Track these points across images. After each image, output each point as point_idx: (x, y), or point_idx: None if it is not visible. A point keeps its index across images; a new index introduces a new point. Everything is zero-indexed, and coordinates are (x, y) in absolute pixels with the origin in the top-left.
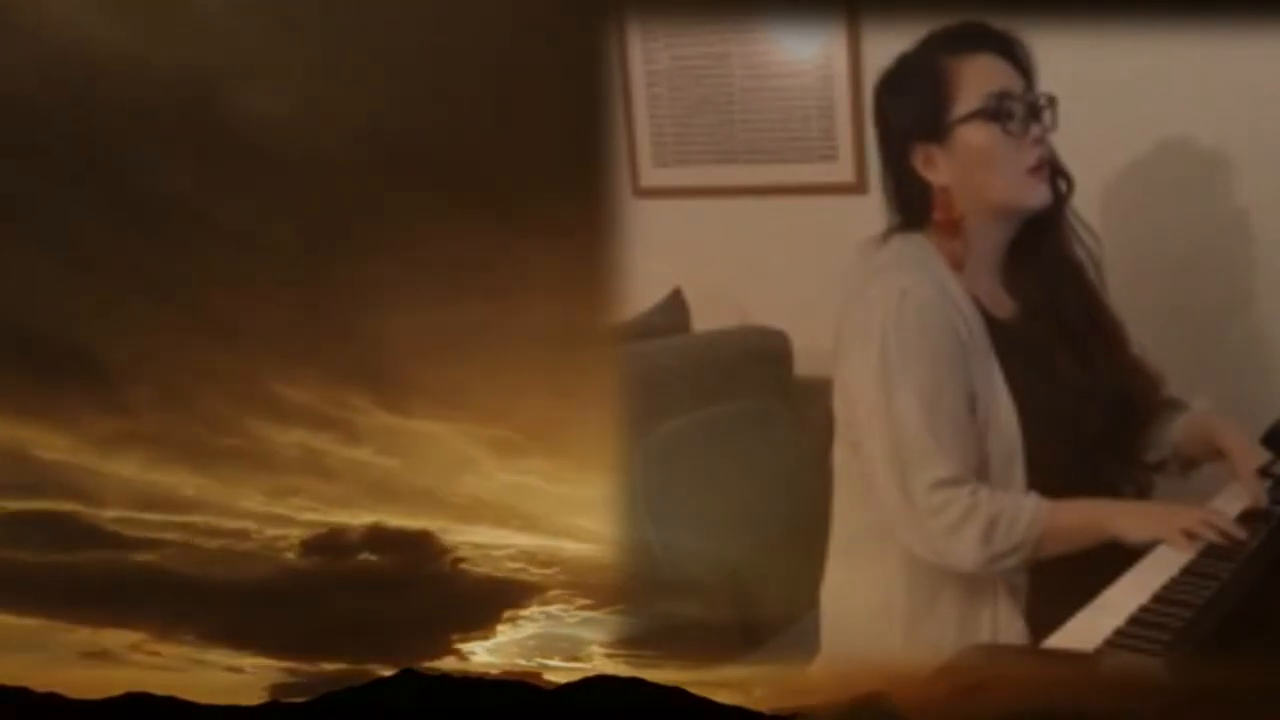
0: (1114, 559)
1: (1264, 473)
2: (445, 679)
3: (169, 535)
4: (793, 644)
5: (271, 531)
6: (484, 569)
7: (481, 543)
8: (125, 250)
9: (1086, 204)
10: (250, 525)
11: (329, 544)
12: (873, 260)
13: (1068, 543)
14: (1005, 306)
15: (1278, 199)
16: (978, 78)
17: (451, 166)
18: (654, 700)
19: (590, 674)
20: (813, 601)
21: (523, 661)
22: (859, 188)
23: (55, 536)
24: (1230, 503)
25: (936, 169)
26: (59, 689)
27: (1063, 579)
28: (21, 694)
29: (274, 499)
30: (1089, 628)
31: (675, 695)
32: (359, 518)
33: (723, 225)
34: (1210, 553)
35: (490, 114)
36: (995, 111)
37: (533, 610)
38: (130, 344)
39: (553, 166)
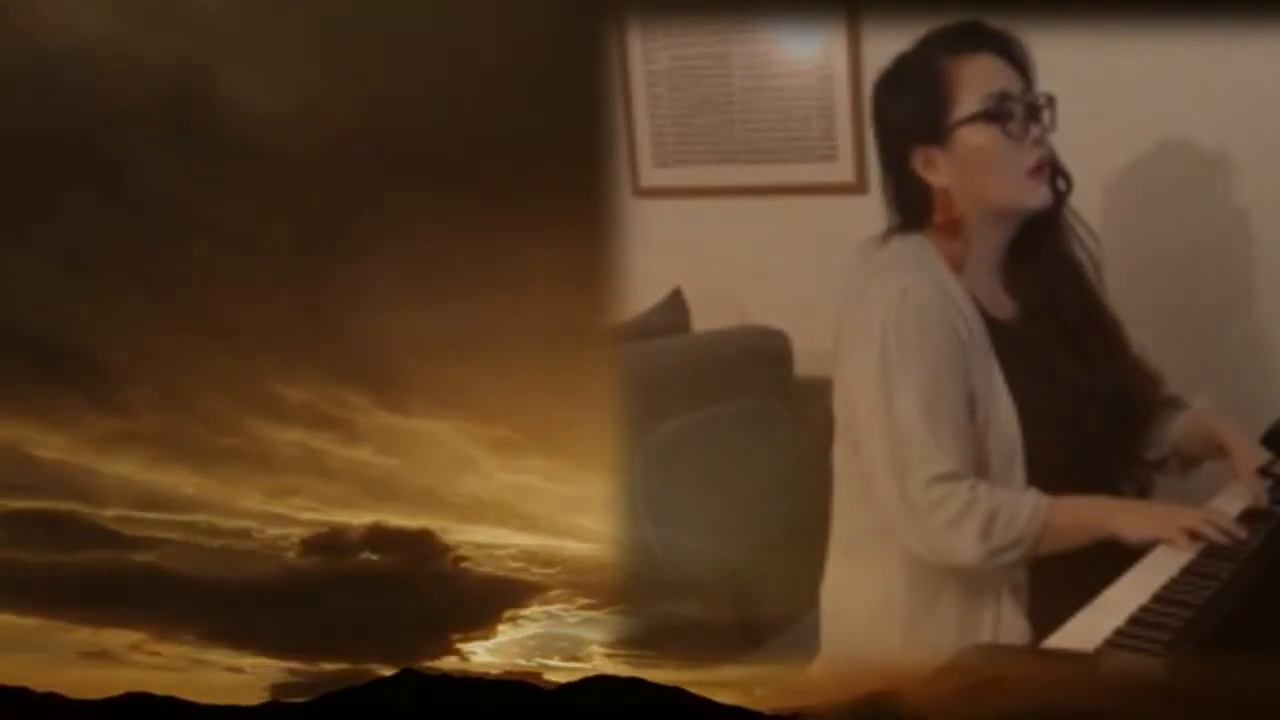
0: (1114, 559)
1: (1264, 472)
2: (445, 679)
3: (169, 535)
4: (793, 644)
5: (272, 531)
6: (485, 568)
7: (482, 542)
8: (124, 250)
9: (1086, 204)
10: (251, 525)
11: (329, 543)
12: (873, 260)
13: (1067, 539)
14: (1005, 307)
15: (1278, 199)
16: (977, 78)
17: (451, 166)
18: (654, 700)
19: (590, 674)
20: (813, 601)
21: (523, 661)
22: (859, 188)
23: (55, 536)
24: (1230, 502)
25: (937, 170)
26: (59, 689)
27: (1063, 579)
28: (21, 694)
29: (274, 498)
30: (1089, 628)
31: (675, 695)
32: (359, 517)
33: (723, 225)
34: (1210, 553)
35: (490, 113)
36: (996, 113)
37: (533, 610)
38: (129, 343)
39: (553, 166)
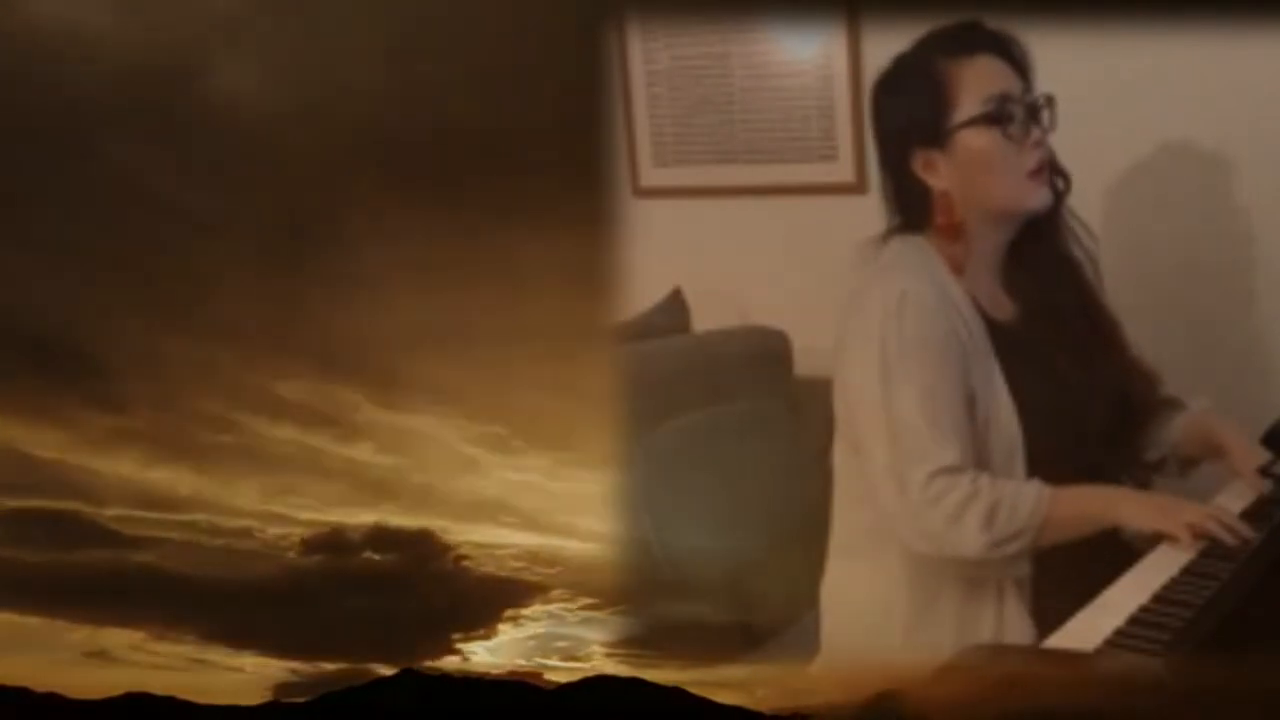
0: (1115, 558)
1: (1264, 472)
2: (445, 679)
3: (169, 534)
4: (793, 644)
5: (272, 531)
6: (486, 568)
7: (483, 542)
8: (121, 248)
9: (1087, 205)
10: (251, 524)
11: (330, 543)
12: (873, 261)
13: (1071, 529)
14: (1004, 308)
15: (1278, 199)
16: (977, 80)
17: (452, 165)
18: (654, 700)
19: (590, 674)
20: (813, 601)
21: (523, 661)
22: (859, 188)
23: (55, 535)
24: (1231, 502)
25: (937, 173)
26: (59, 689)
27: (1064, 578)
28: (21, 694)
29: (272, 497)
30: (1089, 628)
31: (675, 695)
32: (358, 517)
33: (723, 225)
34: (1210, 553)
35: (490, 113)
36: (997, 115)
37: (534, 610)
38: (124, 341)
39: (553, 166)
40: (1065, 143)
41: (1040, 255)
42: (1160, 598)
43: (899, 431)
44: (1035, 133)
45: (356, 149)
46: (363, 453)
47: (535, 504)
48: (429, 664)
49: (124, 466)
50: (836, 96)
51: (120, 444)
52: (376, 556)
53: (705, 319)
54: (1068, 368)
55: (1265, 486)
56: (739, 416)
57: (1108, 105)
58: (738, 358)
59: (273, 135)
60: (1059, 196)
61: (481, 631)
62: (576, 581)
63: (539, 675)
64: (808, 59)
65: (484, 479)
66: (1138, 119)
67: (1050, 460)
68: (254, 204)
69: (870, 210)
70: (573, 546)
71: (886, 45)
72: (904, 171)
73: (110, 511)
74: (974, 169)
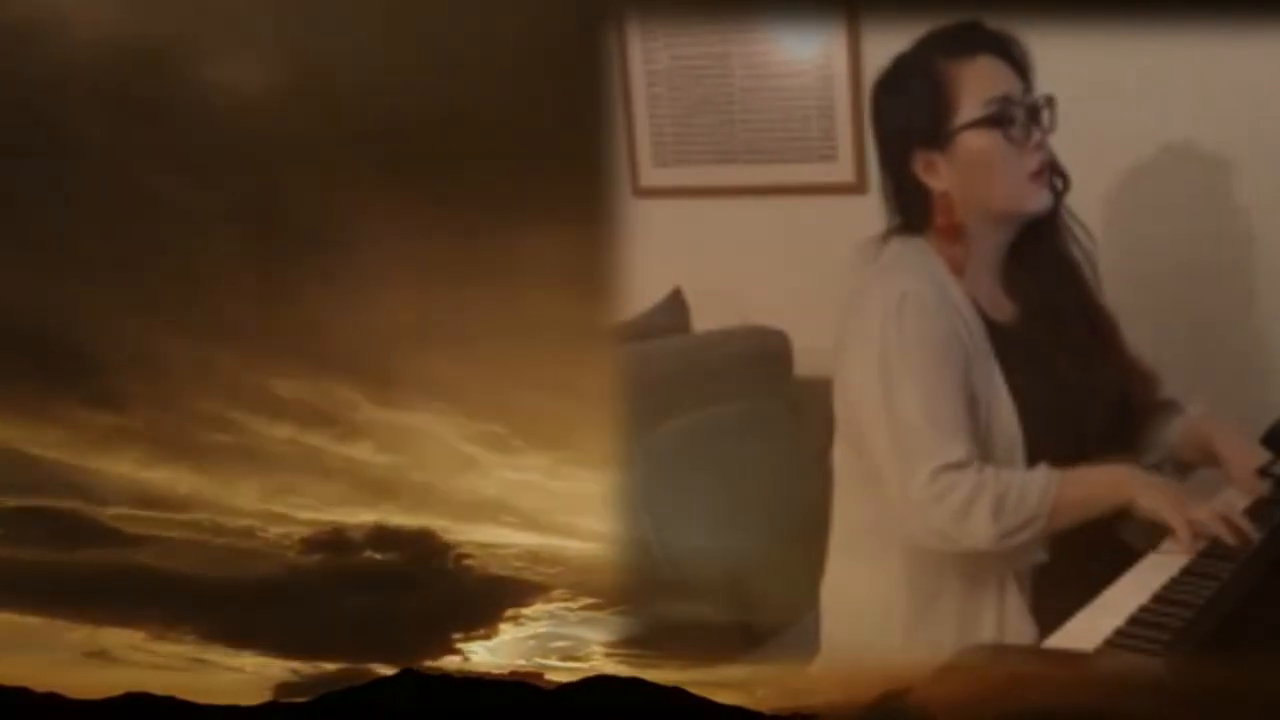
0: (1115, 558)
1: (1264, 473)
2: (446, 679)
3: (170, 533)
4: (793, 644)
5: (273, 530)
6: (487, 568)
7: (484, 541)
8: (118, 247)
9: (1087, 206)
10: (251, 524)
11: (330, 542)
12: (872, 261)
13: (1083, 510)
14: (1004, 309)
15: (1278, 200)
16: (978, 81)
17: (452, 164)
18: (654, 700)
19: (590, 674)
20: (813, 601)
21: (523, 661)
22: (859, 188)
23: (55, 534)
24: (1232, 501)
25: (937, 174)
26: (59, 689)
27: (1064, 578)
28: (21, 694)
29: (271, 497)
30: (1089, 628)
31: (675, 695)
32: (357, 516)
33: (723, 225)
34: (1210, 553)
35: (490, 112)
36: (998, 118)
37: (535, 609)
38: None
39: (553, 165)
40: (1065, 143)
41: (1040, 256)
42: (1160, 598)
43: (901, 431)
44: (1036, 134)
45: (357, 149)
46: (362, 452)
47: (535, 503)
48: (429, 664)
49: (123, 466)
50: (836, 96)
51: (119, 443)
52: (377, 556)
53: (705, 319)
54: (1068, 368)
55: (1264, 487)
56: (739, 416)
57: (1108, 106)
58: (738, 358)
59: (273, 134)
60: (1058, 197)
61: (482, 631)
62: (577, 581)
63: (539, 675)
64: (808, 59)
65: (484, 478)
66: (1138, 119)
67: (1050, 461)
68: (253, 203)
69: (870, 210)
70: (573, 546)
71: (886, 45)
72: (904, 172)
73: (110, 511)
74: (975, 171)
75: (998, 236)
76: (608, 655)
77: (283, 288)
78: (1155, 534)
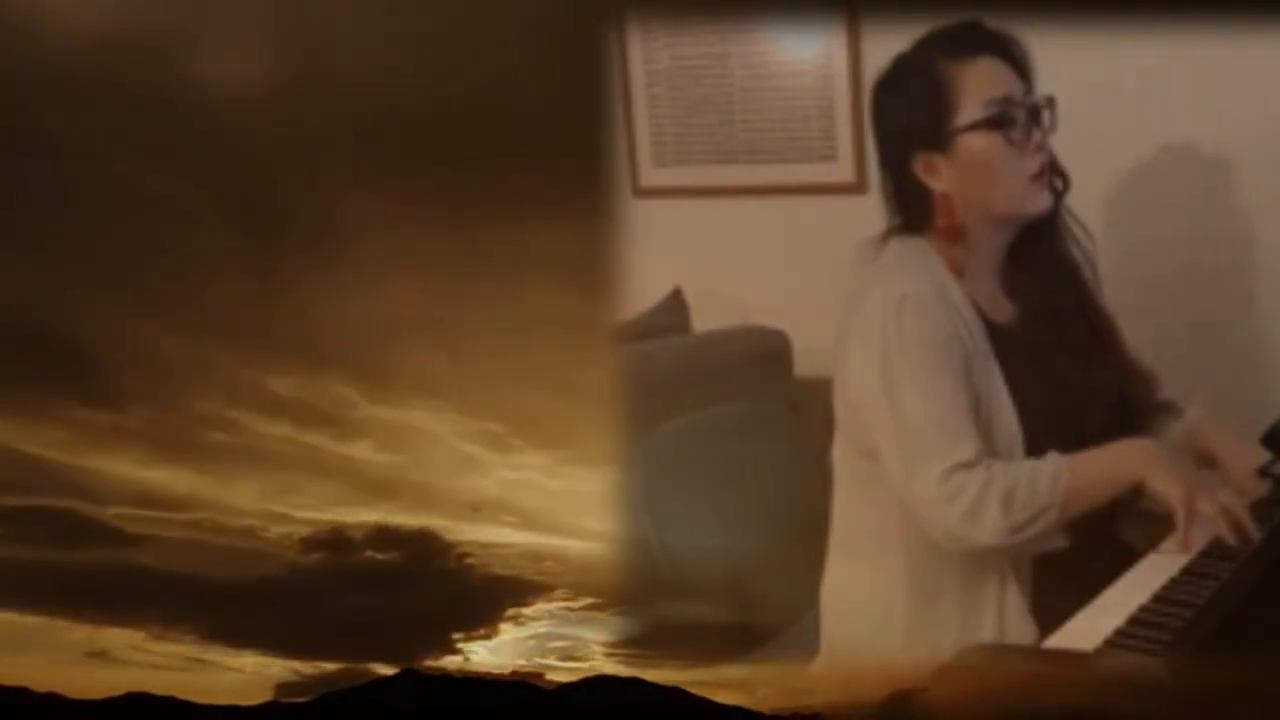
0: (1115, 558)
1: (1264, 473)
2: (446, 679)
3: (170, 533)
4: (793, 644)
5: (273, 530)
6: (488, 567)
7: (485, 541)
8: (112, 246)
9: (1087, 206)
10: (251, 523)
11: (330, 542)
12: (872, 262)
13: (1096, 494)
14: (1004, 310)
15: (1278, 200)
16: (979, 82)
17: (451, 163)
18: (654, 700)
19: (590, 674)
20: (813, 601)
21: (523, 661)
22: (859, 188)
23: (55, 534)
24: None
25: (938, 176)
26: (59, 689)
27: (1064, 578)
28: (21, 694)
29: (270, 496)
30: (1089, 628)
31: (675, 695)
32: (357, 515)
33: (723, 225)
34: (1210, 553)
35: (489, 111)
36: (999, 119)
37: (535, 609)
38: (119, 338)
39: (553, 165)
40: (1065, 143)
41: (1040, 257)
42: (1160, 598)
43: (906, 432)
44: (1036, 136)
45: (357, 148)
46: (362, 451)
47: (535, 503)
48: (429, 664)
49: (123, 466)
50: (836, 96)
51: (119, 443)
52: (377, 556)
53: (705, 319)
54: (1067, 369)
55: (1264, 487)
56: (739, 416)
57: (1108, 106)
58: (738, 358)
59: (271, 131)
60: (1058, 198)
61: (482, 631)
62: (577, 581)
63: (539, 675)
64: (808, 59)
65: (484, 478)
66: (1138, 119)
67: None
68: (251, 200)
69: (870, 210)
70: (573, 546)
71: (886, 45)
72: (904, 173)
73: (110, 510)
74: (976, 173)
75: (998, 237)
76: (608, 655)
77: (281, 285)
78: (1155, 534)
